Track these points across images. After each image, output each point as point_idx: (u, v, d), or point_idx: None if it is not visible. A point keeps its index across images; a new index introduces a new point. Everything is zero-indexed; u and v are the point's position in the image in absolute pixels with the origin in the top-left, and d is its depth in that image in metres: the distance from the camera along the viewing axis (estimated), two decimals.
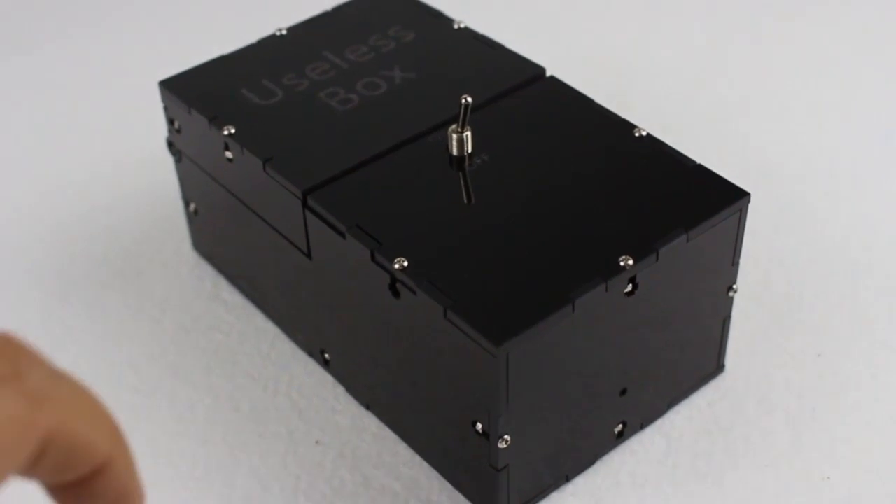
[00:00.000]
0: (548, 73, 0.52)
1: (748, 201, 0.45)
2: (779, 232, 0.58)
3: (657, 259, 0.42)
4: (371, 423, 0.50)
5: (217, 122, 0.50)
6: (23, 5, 0.79)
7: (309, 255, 0.48)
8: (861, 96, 0.68)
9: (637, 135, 0.48)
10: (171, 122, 0.54)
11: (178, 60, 0.56)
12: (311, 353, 0.53)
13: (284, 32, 0.56)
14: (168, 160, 0.60)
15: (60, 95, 0.71)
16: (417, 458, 0.48)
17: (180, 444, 0.49)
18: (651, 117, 0.54)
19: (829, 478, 0.47)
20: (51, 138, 0.67)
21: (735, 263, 0.47)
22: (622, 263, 0.42)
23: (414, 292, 0.42)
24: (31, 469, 0.26)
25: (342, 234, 0.45)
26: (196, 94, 0.52)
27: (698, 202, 0.45)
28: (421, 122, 0.49)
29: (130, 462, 0.28)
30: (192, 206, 0.56)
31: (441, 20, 0.56)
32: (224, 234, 0.55)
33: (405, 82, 0.52)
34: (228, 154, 0.50)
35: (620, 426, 0.47)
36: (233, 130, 0.49)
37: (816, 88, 0.68)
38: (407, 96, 0.51)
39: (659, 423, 0.49)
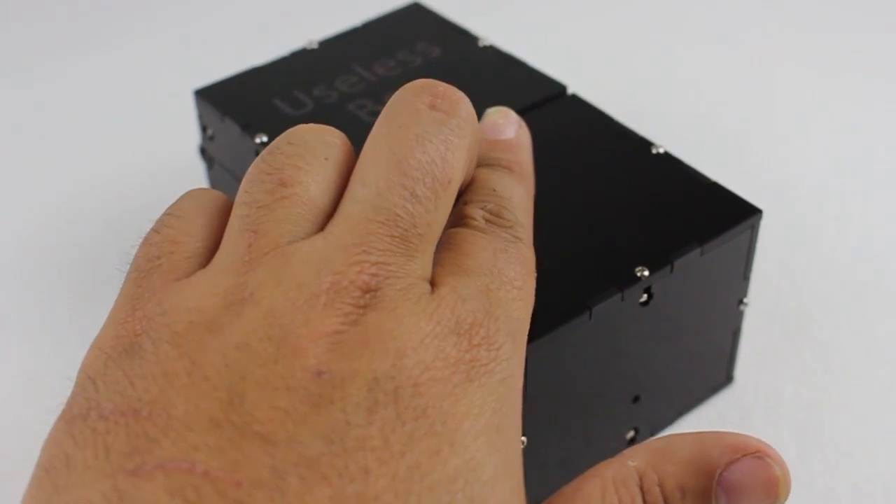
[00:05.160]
0: (569, 91, 0.54)
1: (760, 218, 0.47)
2: (791, 250, 0.60)
3: (672, 271, 0.44)
4: None
5: (249, 130, 0.52)
6: (57, 11, 0.82)
7: None
8: (875, 119, 0.69)
9: (655, 152, 0.50)
10: (204, 129, 0.56)
11: (213, 71, 0.58)
12: None
13: (316, 46, 0.58)
14: (200, 167, 0.62)
15: (96, 101, 0.73)
16: None
17: None
18: (670, 135, 0.56)
19: (832, 489, 0.48)
20: (85, 144, 0.69)
21: (746, 278, 0.48)
22: (638, 274, 0.43)
23: None
24: None
25: None
26: (230, 103, 0.54)
27: (712, 217, 0.46)
28: None
29: None
30: None
31: (466, 37, 0.58)
32: None
33: None
34: None
35: (632, 432, 0.49)
36: (265, 139, 0.51)
37: (832, 111, 0.70)
38: None
39: (669, 430, 0.50)
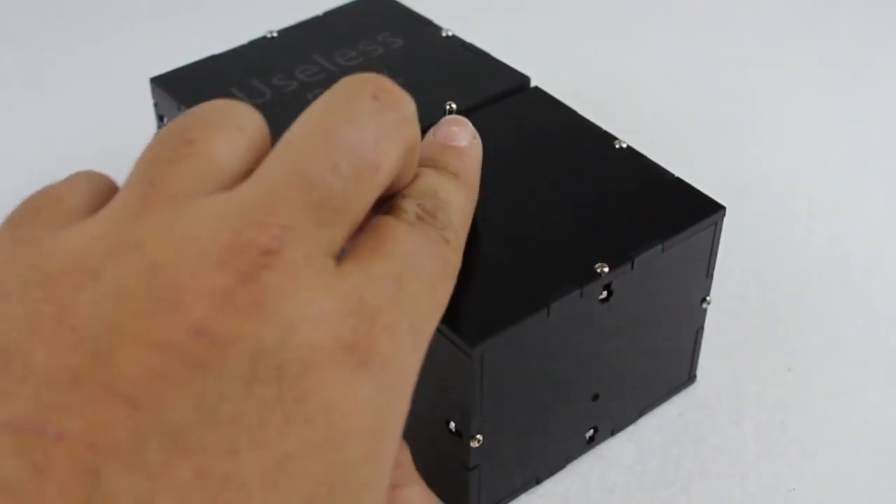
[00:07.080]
0: (533, 83, 0.53)
1: (723, 215, 0.46)
2: (757, 249, 0.59)
3: (632, 267, 0.43)
4: None
5: None
6: (16, 3, 0.80)
7: None
8: (841, 121, 0.69)
9: (618, 146, 0.49)
10: (160, 118, 0.55)
11: (171, 60, 0.57)
12: None
13: (275, 35, 0.57)
14: None
15: (54, 93, 0.71)
16: None
17: None
18: (635, 130, 0.55)
19: (794, 489, 0.48)
20: (44, 134, 0.68)
21: (709, 275, 0.48)
22: (598, 270, 0.42)
23: None
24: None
25: None
26: (186, 92, 0.53)
27: (675, 214, 0.45)
28: None
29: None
30: None
31: (430, 28, 0.57)
32: None
33: None
34: None
35: (591, 431, 0.48)
36: None
37: (799, 112, 0.70)
38: None
39: (630, 429, 0.50)
